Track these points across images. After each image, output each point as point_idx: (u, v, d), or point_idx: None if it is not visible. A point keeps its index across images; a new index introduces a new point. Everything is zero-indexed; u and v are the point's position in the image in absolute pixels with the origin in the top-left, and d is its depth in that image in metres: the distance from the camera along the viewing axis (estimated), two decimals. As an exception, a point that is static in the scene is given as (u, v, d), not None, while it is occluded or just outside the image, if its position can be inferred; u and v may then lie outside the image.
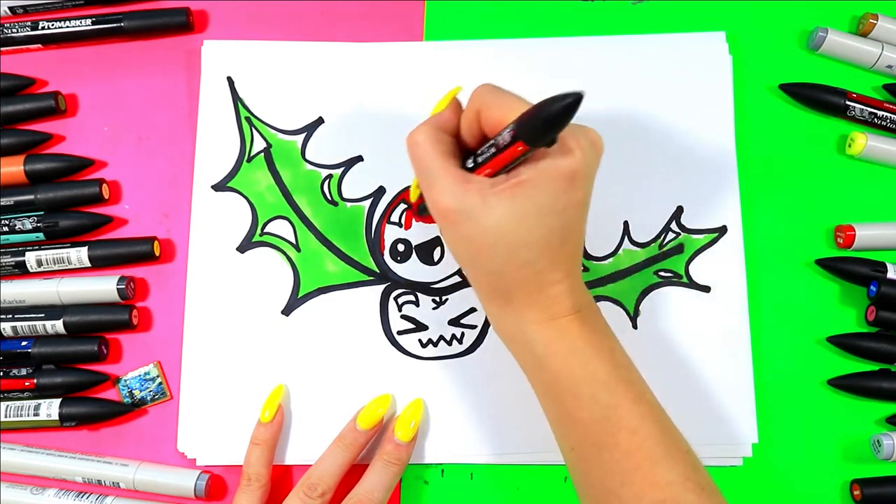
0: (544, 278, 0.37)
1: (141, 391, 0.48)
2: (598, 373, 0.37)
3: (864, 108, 0.50)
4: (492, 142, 0.35)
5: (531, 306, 0.37)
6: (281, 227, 0.49)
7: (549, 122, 0.32)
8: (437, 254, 0.49)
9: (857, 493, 0.46)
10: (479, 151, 0.36)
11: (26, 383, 0.47)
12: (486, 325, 0.48)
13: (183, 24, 0.51)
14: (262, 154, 0.50)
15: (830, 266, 0.48)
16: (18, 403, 0.47)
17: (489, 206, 0.35)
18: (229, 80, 0.50)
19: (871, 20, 0.51)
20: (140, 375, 0.48)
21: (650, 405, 0.38)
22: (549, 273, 0.37)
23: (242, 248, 0.49)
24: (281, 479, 0.47)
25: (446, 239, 0.38)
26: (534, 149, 0.34)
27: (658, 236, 0.49)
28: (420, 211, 0.47)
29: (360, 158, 0.50)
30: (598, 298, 0.48)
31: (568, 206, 0.36)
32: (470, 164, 0.37)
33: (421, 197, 0.43)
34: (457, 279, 0.48)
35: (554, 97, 0.31)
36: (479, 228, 0.35)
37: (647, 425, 0.37)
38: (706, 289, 0.48)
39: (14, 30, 0.51)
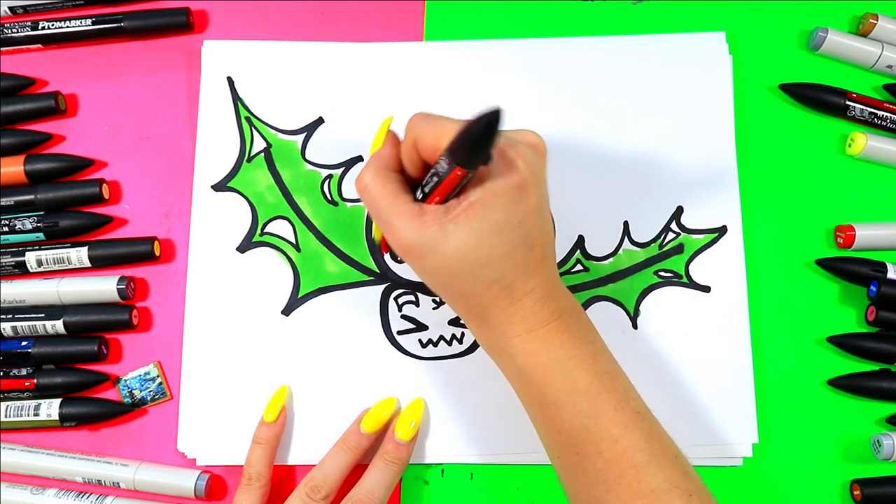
0: (516, 290, 0.37)
1: (141, 391, 0.48)
2: (578, 382, 0.37)
3: (864, 108, 0.50)
4: (432, 171, 0.35)
5: (508, 320, 0.37)
6: (281, 227, 0.49)
7: (474, 144, 0.32)
8: (437, 254, 0.49)
9: (857, 493, 0.46)
10: (425, 181, 0.37)
11: (26, 383, 0.47)
12: (486, 325, 0.48)
13: (183, 24, 0.51)
14: (262, 154, 0.50)
15: (830, 266, 0.48)
16: (18, 403, 0.47)
17: (447, 233, 0.35)
18: (229, 80, 0.50)
19: (871, 20, 0.51)
20: (140, 375, 0.48)
21: (634, 412, 0.37)
22: (521, 284, 0.37)
23: (242, 248, 0.49)
24: (282, 479, 0.47)
25: (415, 272, 0.38)
26: (473, 170, 0.34)
27: (658, 236, 0.49)
28: (389, 246, 0.48)
29: (360, 158, 0.50)
30: (598, 298, 0.48)
31: (524, 216, 0.36)
32: (419, 195, 0.37)
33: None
34: (457, 279, 0.48)
35: (474, 118, 0.31)
36: (442, 257, 0.36)
37: (629, 433, 0.37)
38: (706, 289, 0.48)
39: (14, 30, 0.51)
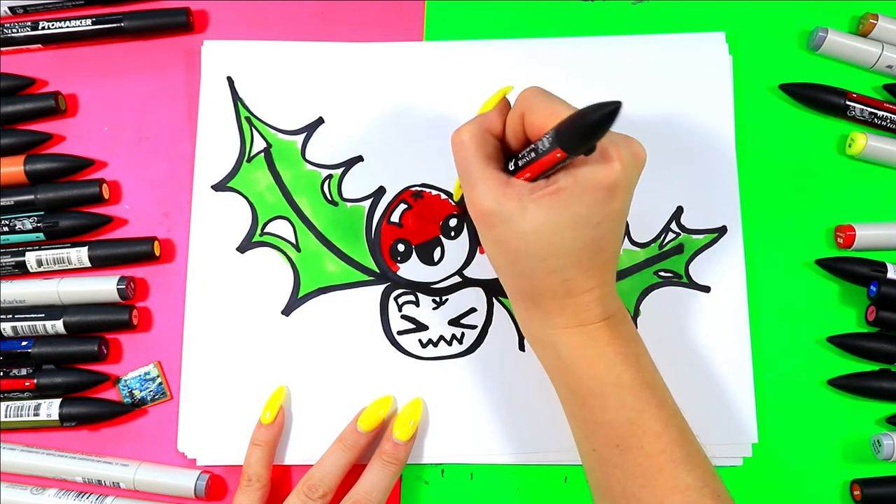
0: (574, 286, 0.37)
1: (141, 391, 0.48)
2: (623, 377, 0.37)
3: (864, 108, 0.50)
4: (532, 147, 0.35)
5: (560, 311, 0.37)
6: (281, 227, 0.49)
7: (586, 131, 0.32)
8: (437, 254, 0.49)
9: (857, 493, 0.46)
10: (521, 155, 0.37)
11: (26, 383, 0.47)
12: (486, 325, 0.48)
13: (183, 24, 0.51)
14: (262, 154, 0.50)
15: (830, 266, 0.48)
16: (18, 403, 0.47)
17: (526, 211, 0.35)
18: (229, 80, 0.50)
19: (871, 20, 0.51)
20: (140, 375, 0.48)
21: (672, 410, 0.38)
22: (580, 282, 0.37)
23: (242, 248, 0.49)
24: (280, 479, 0.47)
25: (481, 239, 0.39)
26: (572, 156, 0.34)
27: (658, 236, 0.49)
28: (464, 210, 0.48)
29: (360, 158, 0.50)
30: (598, 298, 0.48)
31: (604, 218, 0.35)
32: (511, 167, 0.37)
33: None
34: (457, 279, 0.48)
35: (593, 106, 0.31)
36: (513, 233, 0.35)
37: (669, 429, 0.37)
38: (706, 289, 0.48)
39: (14, 30, 0.51)
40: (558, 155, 0.33)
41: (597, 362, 0.37)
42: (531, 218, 0.35)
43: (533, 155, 0.35)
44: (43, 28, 0.51)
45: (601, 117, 0.31)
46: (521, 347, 0.47)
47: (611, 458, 0.38)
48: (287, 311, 0.48)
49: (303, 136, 0.50)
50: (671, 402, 0.38)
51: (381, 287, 0.48)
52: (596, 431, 0.38)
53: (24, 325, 0.47)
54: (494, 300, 0.48)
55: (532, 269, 0.36)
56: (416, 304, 0.48)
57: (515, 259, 0.37)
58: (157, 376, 0.48)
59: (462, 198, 0.46)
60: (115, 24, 0.51)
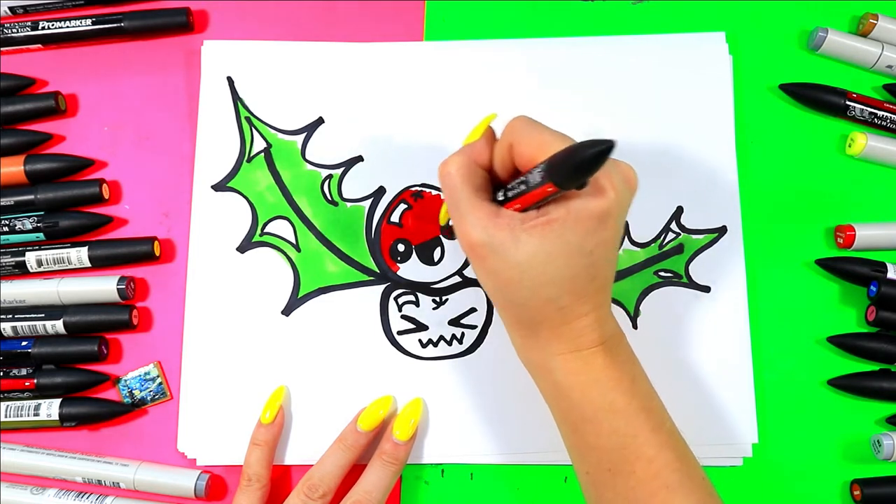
0: (570, 312, 0.37)
1: (141, 391, 0.48)
2: (616, 403, 0.37)
3: (864, 108, 0.50)
4: (522, 179, 0.35)
5: (556, 338, 0.37)
6: (281, 227, 0.49)
7: (579, 167, 0.32)
8: (437, 254, 0.49)
9: (857, 493, 0.46)
10: (510, 186, 0.36)
11: (26, 383, 0.47)
12: (486, 325, 0.48)
13: (183, 24, 0.51)
14: (262, 154, 0.50)
15: (830, 266, 0.48)
16: (18, 403, 0.47)
17: (518, 242, 0.35)
18: (229, 80, 0.50)
19: (871, 20, 0.51)
20: (140, 375, 0.48)
21: (669, 434, 0.38)
22: (575, 308, 0.36)
23: (242, 248, 0.49)
24: (280, 479, 0.47)
25: (474, 271, 0.38)
26: (564, 191, 0.34)
27: (658, 236, 0.49)
28: (451, 234, 0.48)
29: (360, 158, 0.50)
30: (598, 298, 0.48)
31: (597, 246, 0.35)
32: (500, 196, 0.37)
33: (450, 222, 0.44)
34: (457, 279, 0.48)
35: (585, 143, 0.31)
36: (506, 263, 0.35)
37: (664, 454, 0.37)
38: (706, 289, 0.48)
39: (14, 30, 0.51)
40: (549, 189, 0.33)
41: (590, 388, 0.37)
42: (523, 248, 0.35)
43: (523, 187, 0.35)
44: (43, 28, 0.51)
45: (594, 155, 0.31)
46: (521, 347, 0.47)
47: (604, 481, 0.38)
48: (287, 311, 0.48)
49: (303, 136, 0.50)
50: (668, 426, 0.38)
51: (381, 287, 0.48)
52: (589, 455, 0.38)
53: (24, 325, 0.47)
54: (494, 300, 0.48)
55: (526, 298, 0.36)
56: (416, 304, 0.48)
57: (507, 289, 0.36)
58: (157, 376, 0.48)
59: (447, 224, 0.46)
60: (115, 24, 0.51)
